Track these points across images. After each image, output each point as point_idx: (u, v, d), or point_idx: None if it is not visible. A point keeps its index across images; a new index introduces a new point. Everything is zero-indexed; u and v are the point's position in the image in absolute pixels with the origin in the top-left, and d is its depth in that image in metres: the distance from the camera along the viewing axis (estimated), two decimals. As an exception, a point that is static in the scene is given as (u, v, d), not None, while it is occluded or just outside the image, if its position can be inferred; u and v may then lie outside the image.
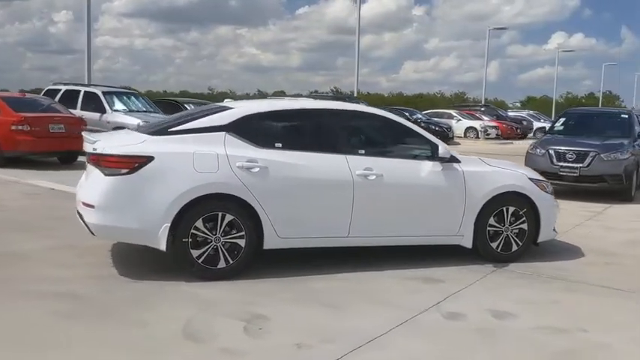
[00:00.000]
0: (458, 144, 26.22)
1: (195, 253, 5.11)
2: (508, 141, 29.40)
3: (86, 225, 5.13)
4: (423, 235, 5.89)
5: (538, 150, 11.16)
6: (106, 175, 5.04)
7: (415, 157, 5.93)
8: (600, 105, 66.88)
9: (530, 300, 4.99)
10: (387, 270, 5.66)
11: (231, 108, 5.60)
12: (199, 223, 5.10)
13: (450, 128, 27.15)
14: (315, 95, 26.57)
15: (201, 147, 5.20)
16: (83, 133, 5.69)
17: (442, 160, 5.85)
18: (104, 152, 5.09)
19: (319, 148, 5.60)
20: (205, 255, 5.13)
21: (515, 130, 31.59)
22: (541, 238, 6.29)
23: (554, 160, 10.72)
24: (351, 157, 5.59)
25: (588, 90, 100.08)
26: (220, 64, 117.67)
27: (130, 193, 5.02)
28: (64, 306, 4.47)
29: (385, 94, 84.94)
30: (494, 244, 6.07)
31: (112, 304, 4.56)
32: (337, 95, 25.41)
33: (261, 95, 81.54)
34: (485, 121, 30.91)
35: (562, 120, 12.52)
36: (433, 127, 25.19)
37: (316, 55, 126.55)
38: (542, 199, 6.22)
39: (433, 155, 5.88)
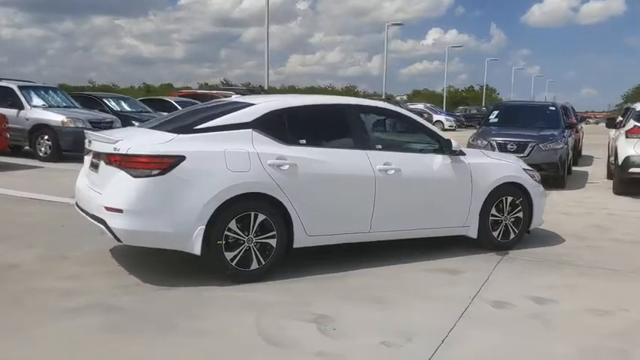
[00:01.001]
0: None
1: (228, 255, 4.91)
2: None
3: (110, 231, 4.77)
4: (436, 227, 6.02)
5: (480, 141, 11.67)
6: (134, 176, 4.71)
7: (426, 151, 6.04)
8: (484, 97, 70.92)
9: (554, 285, 5.24)
10: (405, 263, 5.72)
11: (253, 104, 5.41)
12: (232, 224, 4.91)
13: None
14: (228, 88, 26.13)
15: (230, 145, 4.99)
16: (95, 133, 5.29)
17: (453, 153, 6.01)
18: (132, 152, 4.74)
19: (341, 144, 5.57)
20: (239, 257, 4.95)
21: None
22: (533, 226, 6.63)
23: (497, 150, 11.27)
24: (370, 153, 5.60)
25: (463, 83, 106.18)
26: (98, 56, 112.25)
27: (163, 195, 4.72)
28: (108, 319, 4.13)
29: (277, 87, 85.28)
30: (495, 233, 6.32)
31: (161, 315, 4.27)
32: (250, 89, 25.14)
33: (147, 88, 79.08)
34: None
35: (495, 112, 13.18)
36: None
37: (200, 47, 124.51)
38: (534, 188, 6.55)
39: (442, 149, 6.02)
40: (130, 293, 4.67)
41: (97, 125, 13.94)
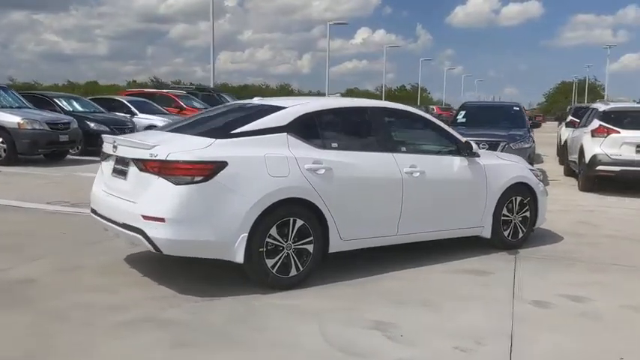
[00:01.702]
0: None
1: (269, 262, 4.80)
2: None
3: (149, 241, 4.55)
4: (455, 228, 6.09)
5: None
6: (176, 183, 4.51)
7: (445, 152, 6.09)
8: (419, 97, 72.39)
9: (580, 282, 5.40)
10: (425, 266, 5.74)
11: (283, 107, 5.29)
12: (273, 231, 4.80)
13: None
14: (177, 87, 25.52)
15: (269, 150, 4.88)
16: (121, 137, 5.04)
17: (472, 155, 6.09)
18: (173, 159, 4.54)
19: (369, 147, 5.55)
20: (279, 264, 4.84)
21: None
22: (537, 224, 6.82)
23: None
24: (397, 155, 5.60)
25: (391, 82, 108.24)
26: (16, 53, 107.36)
27: (206, 202, 4.55)
28: (172, 335, 3.95)
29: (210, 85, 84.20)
30: (505, 233, 6.46)
31: (222, 327, 4.12)
32: (199, 87, 24.65)
33: (72, 86, 76.02)
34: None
35: (462, 113, 13.47)
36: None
37: (125, 44, 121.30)
38: (538, 187, 6.74)
39: (459, 150, 6.10)
40: (174, 306, 4.48)
41: (55, 127, 13.36)
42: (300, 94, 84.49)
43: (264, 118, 5.09)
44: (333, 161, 5.11)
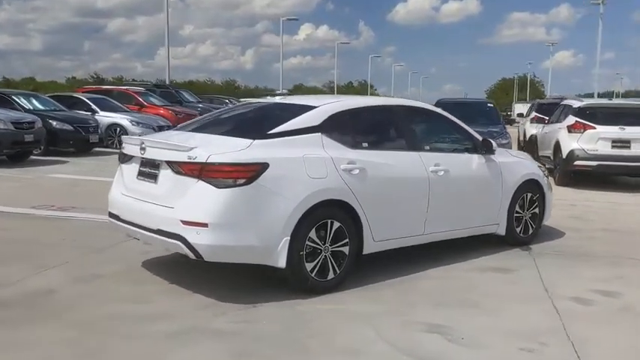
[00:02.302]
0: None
1: (308, 266, 4.67)
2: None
3: (190, 247, 4.34)
4: (475, 226, 6.10)
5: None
6: (219, 187, 4.32)
7: (464, 150, 6.08)
8: (369, 93, 72.82)
9: (603, 277, 5.48)
10: (450, 264, 5.73)
11: (314, 106, 5.15)
12: (312, 234, 4.67)
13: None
14: (137, 84, 24.80)
15: (306, 150, 4.74)
16: (150, 138, 4.79)
17: (487, 152, 6.11)
18: (214, 161, 4.34)
19: (396, 146, 5.50)
20: (317, 267, 4.72)
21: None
22: (545, 220, 6.92)
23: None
24: (422, 154, 5.56)
25: (337, 79, 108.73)
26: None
27: (249, 206, 4.39)
28: (231, 346, 3.79)
29: (153, 80, 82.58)
30: (517, 229, 6.52)
31: (281, 336, 3.97)
32: (157, 84, 24.00)
33: (7, 82, 72.67)
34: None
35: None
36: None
37: (60, 39, 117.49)
38: (546, 184, 6.84)
39: (475, 148, 6.10)
40: (219, 314, 4.29)
41: (20, 126, 12.75)
42: (246, 90, 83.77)
43: (298, 117, 4.94)
44: (366, 161, 5.02)
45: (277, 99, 5.81)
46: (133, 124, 17.07)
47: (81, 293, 4.68)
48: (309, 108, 5.11)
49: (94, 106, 17.48)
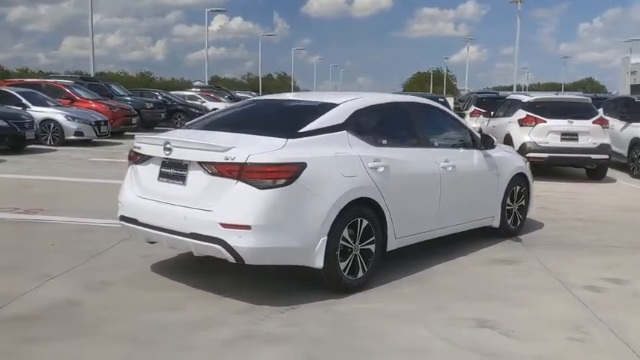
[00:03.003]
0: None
1: (341, 265, 4.63)
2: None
3: (230, 251, 4.19)
4: (476, 219, 6.24)
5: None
6: (260, 188, 4.19)
7: (465, 146, 6.19)
8: (292, 87, 72.76)
9: (602, 265, 5.74)
10: (457, 258, 5.84)
11: (336, 103, 5.08)
12: (345, 233, 4.63)
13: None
14: (60, 76, 23.51)
15: (336, 149, 4.70)
16: (178, 138, 4.56)
17: (486, 147, 6.26)
18: (254, 161, 4.20)
19: (412, 143, 5.53)
20: (349, 266, 4.69)
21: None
22: (529, 211, 7.18)
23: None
24: (432, 150, 5.63)
25: (251, 70, 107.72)
26: None
27: (290, 206, 4.29)
28: (291, 349, 3.71)
29: (61, 72, 78.67)
30: (509, 221, 6.73)
31: (339, 337, 3.91)
32: (85, 77, 22.85)
33: None
34: (230, 103, 31.12)
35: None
36: (194, 110, 24.65)
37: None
38: (530, 177, 7.10)
39: (475, 143, 6.24)
40: (263, 318, 4.17)
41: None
42: (162, 82, 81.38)
43: (324, 115, 4.87)
44: (388, 158, 5.02)
45: (289, 96, 5.68)
46: (68, 120, 16.27)
47: (105, 303, 4.42)
48: (331, 105, 5.04)
49: (24, 101, 16.46)
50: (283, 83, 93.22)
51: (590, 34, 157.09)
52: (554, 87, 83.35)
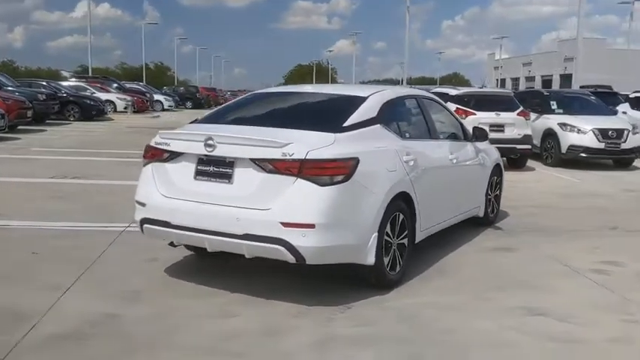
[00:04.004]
0: (112, 119, 24.90)
1: (385, 261, 4.58)
2: (155, 114, 29.30)
3: (293, 251, 4.00)
4: (469, 209, 6.41)
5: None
6: (322, 185, 4.03)
7: (461, 138, 6.33)
8: (176, 79, 70.35)
9: (586, 249, 6.08)
10: (458, 248, 5.97)
11: (364, 96, 5.00)
12: (388, 228, 4.59)
13: (108, 102, 25.34)
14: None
15: (376, 143, 4.65)
16: (222, 133, 4.26)
17: (476, 139, 6.46)
18: (314, 157, 4.02)
19: (427, 135, 5.58)
20: (390, 261, 4.65)
21: (145, 103, 31.33)
22: (501, 200, 7.50)
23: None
24: (441, 143, 5.74)
25: (120, 59, 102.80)
26: None
27: (348, 203, 4.18)
28: (390, 349, 3.61)
29: None
30: (488, 210, 7.00)
31: (421, 335, 3.87)
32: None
33: None
34: (121, 94, 29.63)
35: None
36: (88, 101, 23.20)
37: None
38: (503, 167, 7.42)
39: (466, 135, 6.41)
40: (329, 319, 4.04)
41: None
42: (28, 71, 75.41)
43: (359, 109, 4.77)
44: (415, 151, 5.04)
45: (306, 88, 5.47)
46: (-40, 113, 14.73)
47: (148, 314, 4.07)
48: (360, 99, 4.96)
49: None
50: (162, 73, 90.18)
51: (453, 31, 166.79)
52: (427, 81, 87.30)
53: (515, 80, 69.38)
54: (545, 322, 4.13)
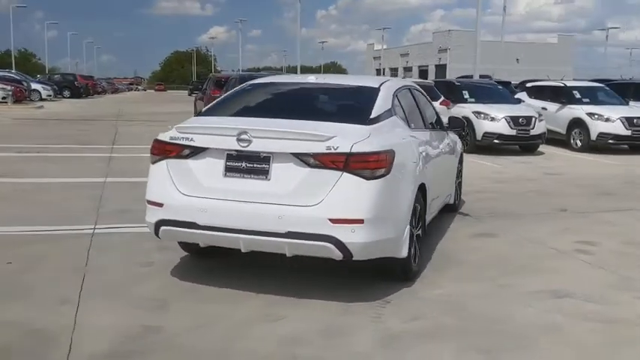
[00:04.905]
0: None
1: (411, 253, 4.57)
2: (38, 104, 27.08)
3: (342, 248, 3.86)
4: (447, 197, 6.53)
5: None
6: (367, 179, 3.91)
7: (440, 128, 6.42)
8: (47, 65, 65.53)
9: (558, 231, 6.44)
10: (446, 234, 6.12)
11: (375, 87, 4.92)
12: (413, 220, 4.56)
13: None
14: None
15: (400, 134, 4.61)
16: (258, 127, 3.99)
17: (450, 129, 6.60)
18: (359, 151, 3.90)
19: (422, 125, 5.60)
20: (412, 253, 4.64)
21: (24, 93, 28.90)
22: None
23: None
24: (432, 133, 5.79)
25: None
26: None
27: (390, 196, 4.12)
28: (461, 343, 3.59)
29: None
30: (456, 197, 7.20)
31: (474, 327, 3.88)
32: None
33: None
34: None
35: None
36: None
37: None
38: (463, 155, 7.65)
39: (442, 125, 6.52)
40: (378, 315, 3.97)
41: None
42: None
43: (378, 100, 4.69)
44: (421, 141, 5.05)
45: (310, 79, 5.24)
46: None
47: (190, 325, 3.76)
48: (374, 89, 4.88)
49: None
50: (26, 60, 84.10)
51: (327, 20, 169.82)
52: (306, 70, 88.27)
53: (394, 70, 71.99)
54: (575, 304, 4.30)
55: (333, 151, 3.88)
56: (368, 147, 3.98)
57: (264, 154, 3.98)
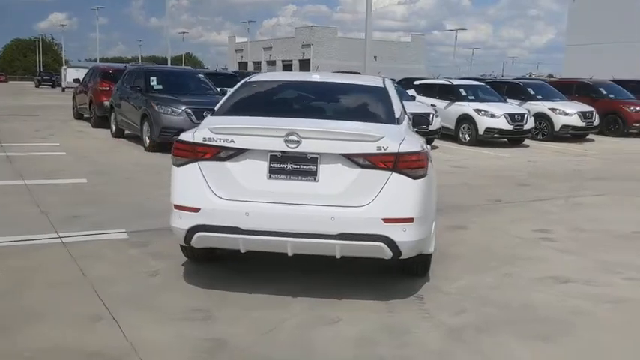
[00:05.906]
0: None
1: (432, 248, 4.72)
2: None
3: (393, 247, 3.89)
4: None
5: (172, 109, 11.48)
6: (414, 178, 3.98)
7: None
8: None
9: (509, 220, 6.91)
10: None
11: (382, 87, 4.98)
12: (434, 217, 4.72)
13: None
14: None
15: (415, 134, 4.71)
16: (308, 128, 3.87)
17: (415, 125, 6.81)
18: (406, 151, 3.95)
19: (410, 123, 5.70)
20: (423, 249, 4.79)
21: None
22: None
23: (193, 118, 11.38)
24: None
25: None
26: None
27: (429, 194, 4.23)
28: (517, 333, 3.78)
29: None
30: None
31: (523, 316, 4.11)
32: None
33: None
34: None
35: (154, 78, 12.73)
36: None
37: None
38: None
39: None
40: (423, 312, 4.07)
41: None
42: None
43: (393, 101, 4.78)
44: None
45: (317, 77, 5.14)
46: None
47: (252, 335, 3.61)
48: (382, 89, 4.97)
49: None
50: None
51: (178, 10, 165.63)
52: (160, 60, 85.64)
53: (257, 64, 71.92)
54: (580, 288, 4.67)
55: (383, 151, 3.90)
56: (411, 147, 4.05)
57: (312, 155, 3.91)
